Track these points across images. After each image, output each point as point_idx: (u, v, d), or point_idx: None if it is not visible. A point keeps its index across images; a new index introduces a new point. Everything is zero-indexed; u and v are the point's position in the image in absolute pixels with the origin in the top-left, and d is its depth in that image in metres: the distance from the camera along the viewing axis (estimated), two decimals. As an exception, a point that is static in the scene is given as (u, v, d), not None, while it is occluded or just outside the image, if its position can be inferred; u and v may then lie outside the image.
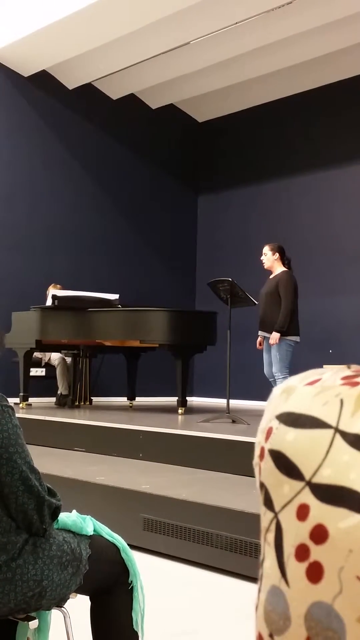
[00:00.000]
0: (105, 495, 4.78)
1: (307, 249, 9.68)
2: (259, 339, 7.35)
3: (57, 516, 2.06)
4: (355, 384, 0.72)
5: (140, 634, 2.18)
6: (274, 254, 7.35)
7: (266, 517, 0.75)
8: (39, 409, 8.24)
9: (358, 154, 9.60)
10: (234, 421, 6.85)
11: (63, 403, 8.83)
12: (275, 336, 7.04)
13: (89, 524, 2.18)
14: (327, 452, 0.69)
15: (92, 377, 9.25)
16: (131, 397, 9.02)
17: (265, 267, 7.45)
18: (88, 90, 10.45)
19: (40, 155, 10.12)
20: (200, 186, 11.56)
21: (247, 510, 3.98)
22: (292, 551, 0.70)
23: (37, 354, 8.77)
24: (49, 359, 9.06)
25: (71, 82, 10.29)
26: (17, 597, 1.94)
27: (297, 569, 0.70)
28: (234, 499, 4.34)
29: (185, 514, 4.29)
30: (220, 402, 8.14)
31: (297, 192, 10.23)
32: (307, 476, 0.70)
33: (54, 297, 8.33)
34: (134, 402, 9.00)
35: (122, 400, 9.26)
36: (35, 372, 9.07)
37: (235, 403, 7.61)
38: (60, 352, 8.93)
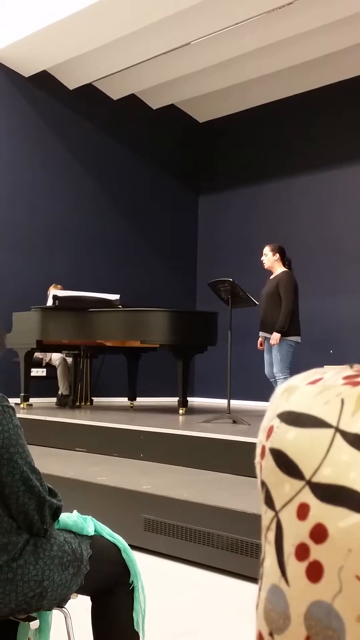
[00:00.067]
0: (106, 495, 4.78)
1: (307, 249, 9.68)
2: (260, 339, 7.35)
3: (58, 516, 2.06)
4: (357, 383, 0.72)
5: (141, 634, 2.18)
6: (274, 255, 7.35)
7: (267, 515, 0.75)
8: (39, 409, 8.24)
9: (358, 154, 9.60)
10: (234, 421, 6.84)
11: (64, 403, 8.83)
12: (276, 336, 7.04)
13: (89, 525, 2.18)
14: (327, 451, 0.69)
15: (93, 377, 9.25)
16: (132, 398, 9.02)
17: (265, 267, 7.45)
18: (88, 91, 10.45)
19: (41, 155, 10.12)
20: (201, 186, 11.56)
21: (247, 511, 3.98)
22: (292, 550, 0.70)
23: (37, 354, 8.77)
24: (50, 359, 9.05)
25: (72, 82, 10.29)
26: (18, 598, 1.94)
27: (297, 568, 0.70)
28: (234, 499, 4.34)
29: (186, 515, 4.29)
30: (221, 402, 8.14)
31: (297, 192, 10.23)
32: (307, 475, 0.70)
33: (55, 297, 8.33)
34: (135, 403, 9.00)
35: (123, 400, 9.26)
36: (36, 372, 9.07)
37: (236, 403, 7.61)
38: (61, 353, 8.94)
